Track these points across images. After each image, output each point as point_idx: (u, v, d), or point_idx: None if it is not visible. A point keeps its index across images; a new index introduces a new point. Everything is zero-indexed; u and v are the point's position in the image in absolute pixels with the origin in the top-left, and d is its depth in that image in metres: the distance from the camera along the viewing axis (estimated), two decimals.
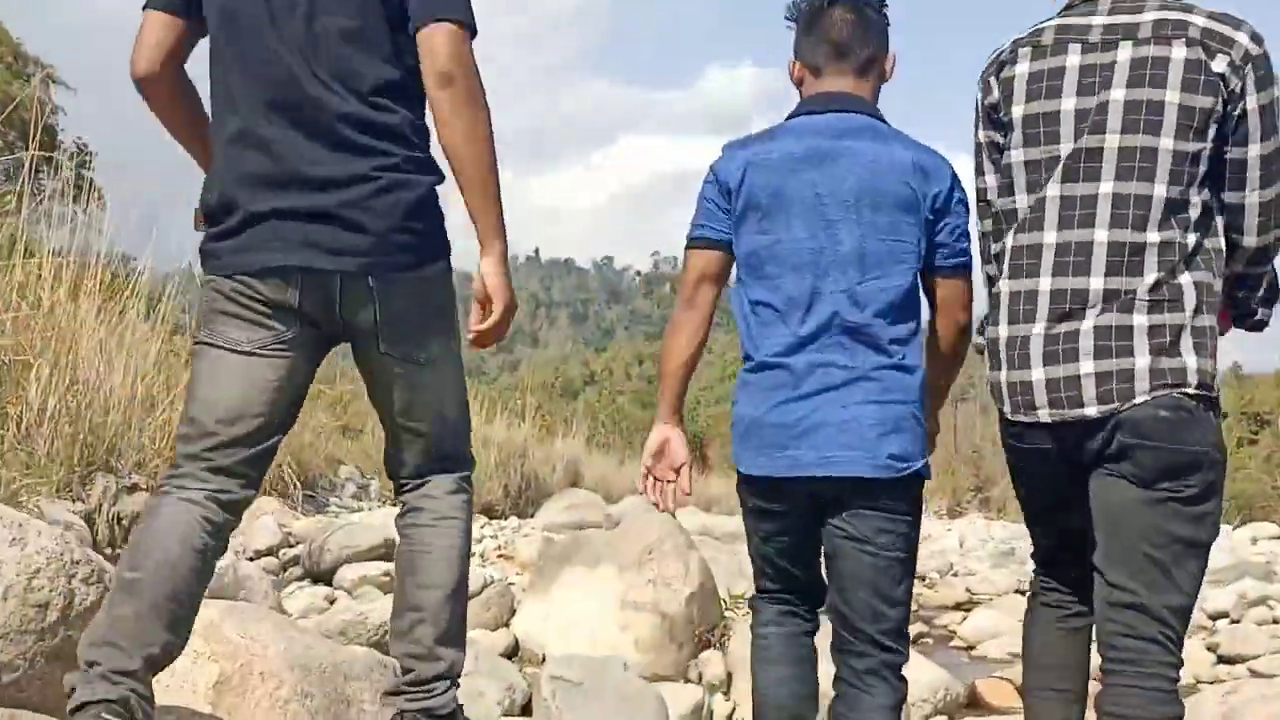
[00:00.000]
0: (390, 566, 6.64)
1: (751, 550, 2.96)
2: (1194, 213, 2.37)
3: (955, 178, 2.66)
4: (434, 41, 2.42)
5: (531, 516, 20.02)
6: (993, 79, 2.61)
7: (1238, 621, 9.50)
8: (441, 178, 2.60)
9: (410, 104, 2.54)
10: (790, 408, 2.63)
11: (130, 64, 2.59)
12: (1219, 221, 2.42)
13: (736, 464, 2.78)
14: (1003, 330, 2.55)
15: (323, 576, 6.82)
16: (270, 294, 2.48)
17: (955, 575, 13.48)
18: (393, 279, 2.52)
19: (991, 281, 2.68)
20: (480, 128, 2.49)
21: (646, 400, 77.54)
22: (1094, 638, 2.61)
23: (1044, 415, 2.46)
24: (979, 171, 2.72)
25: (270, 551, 7.23)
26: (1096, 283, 2.39)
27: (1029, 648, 2.87)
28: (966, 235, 2.69)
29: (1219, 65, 2.31)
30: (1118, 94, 2.36)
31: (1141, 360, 2.35)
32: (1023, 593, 12.22)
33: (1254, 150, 2.34)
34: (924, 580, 13.39)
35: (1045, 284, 2.44)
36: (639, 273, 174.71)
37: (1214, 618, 9.81)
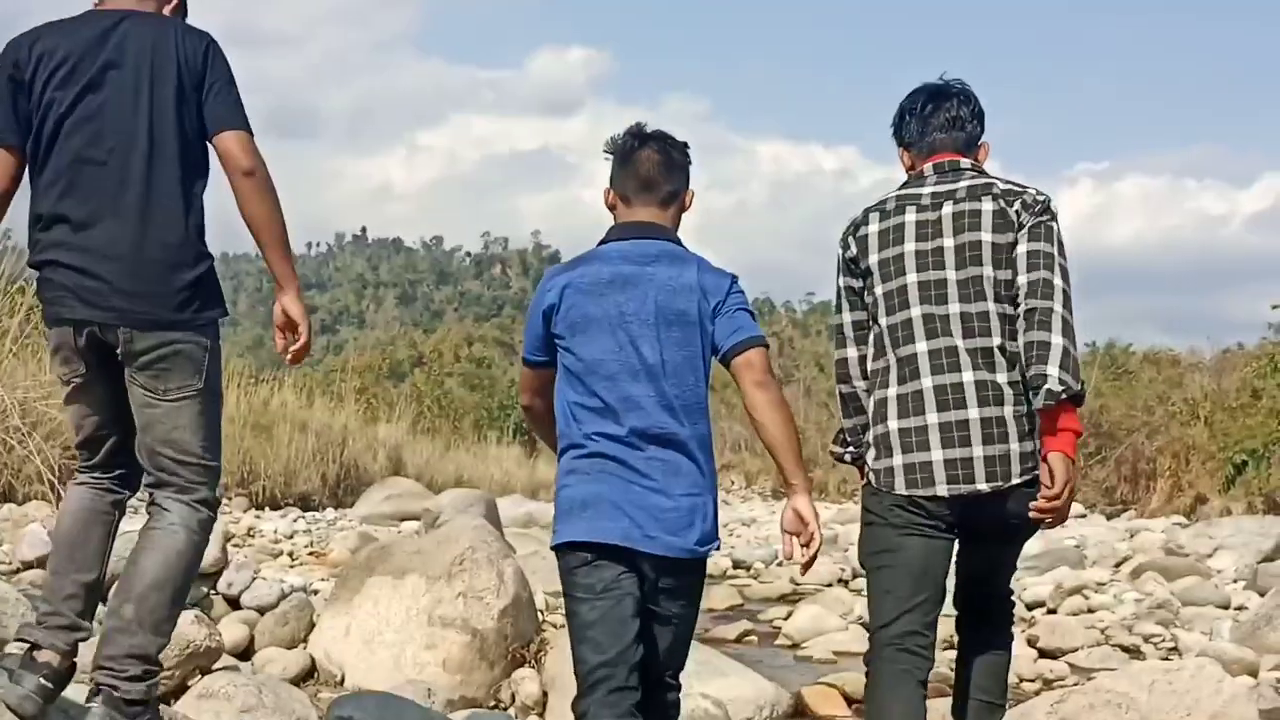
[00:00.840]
0: None
1: None
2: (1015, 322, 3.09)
3: (733, 286, 3.13)
4: (230, 146, 3.08)
5: (351, 507, 19.40)
6: (850, 238, 3.35)
7: (1054, 612, 9.57)
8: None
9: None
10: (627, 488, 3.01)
11: None
12: None
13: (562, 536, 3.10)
14: (893, 424, 3.18)
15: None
16: None
17: (780, 565, 13.35)
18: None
19: (867, 393, 3.35)
20: (274, 205, 3.13)
21: (475, 383, 76.72)
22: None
23: (941, 490, 3.10)
24: (838, 309, 3.42)
25: (41, 564, 6.53)
26: (968, 376, 3.10)
27: (888, 712, 3.19)
28: (747, 314, 3.12)
29: (1013, 207, 3.11)
30: (948, 241, 3.14)
31: (1014, 446, 3.08)
32: (845, 583, 12.23)
33: (1042, 270, 3.08)
34: (749, 570, 13.26)
35: (927, 383, 3.12)
36: (469, 254, 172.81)
37: (1031, 607, 9.86)
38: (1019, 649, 7.46)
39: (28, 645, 3.07)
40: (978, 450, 3.04)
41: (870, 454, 3.27)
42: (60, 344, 3.13)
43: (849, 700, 6.10)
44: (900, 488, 3.13)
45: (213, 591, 6.54)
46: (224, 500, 16.50)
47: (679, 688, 3.20)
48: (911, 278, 3.16)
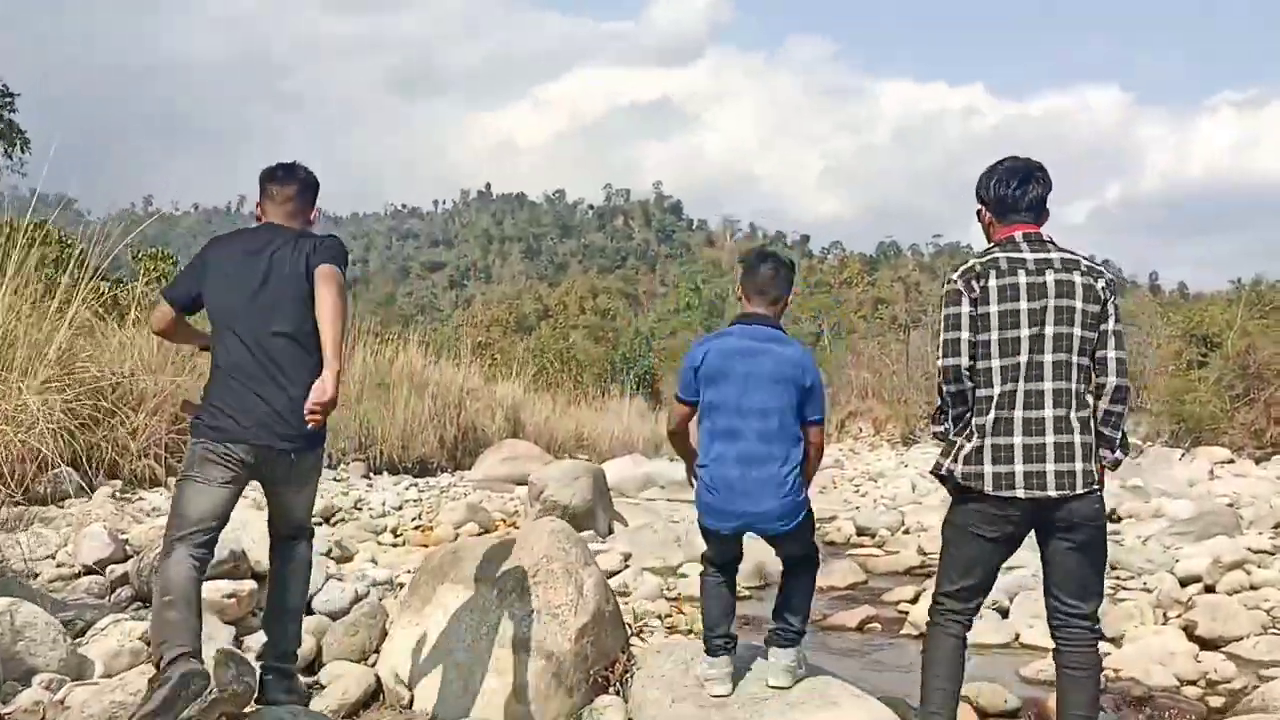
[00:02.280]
0: (238, 586, 5.65)
1: None
2: (1088, 372, 3.94)
3: (816, 369, 4.66)
4: (323, 271, 4.17)
5: (469, 469, 19.08)
6: (974, 283, 3.97)
7: (1212, 589, 8.69)
8: None
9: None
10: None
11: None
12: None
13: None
14: (988, 441, 3.95)
15: None
16: None
17: (907, 532, 12.58)
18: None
19: (974, 411, 4.02)
20: (341, 306, 4.12)
21: (599, 335, 76.75)
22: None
23: (1020, 493, 3.90)
24: (956, 327, 4.00)
25: (99, 568, 6.13)
26: (1048, 412, 3.91)
27: (935, 666, 4.17)
28: (821, 402, 4.62)
29: (1101, 284, 3.94)
30: (1051, 302, 3.88)
31: (1078, 465, 3.91)
32: None
33: (1113, 346, 3.95)
34: (874, 538, 12.52)
35: (1019, 414, 3.90)
36: (591, 206, 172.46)
37: (1185, 583, 8.98)
38: (1170, 640, 6.68)
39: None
40: (1050, 466, 3.87)
41: (962, 464, 4.00)
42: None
43: (983, 715, 5.41)
44: (988, 488, 3.93)
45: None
46: (341, 466, 16.36)
47: None
48: (1024, 331, 3.89)
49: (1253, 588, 8.64)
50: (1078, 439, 3.89)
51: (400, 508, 12.88)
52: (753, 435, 4.53)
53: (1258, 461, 21.53)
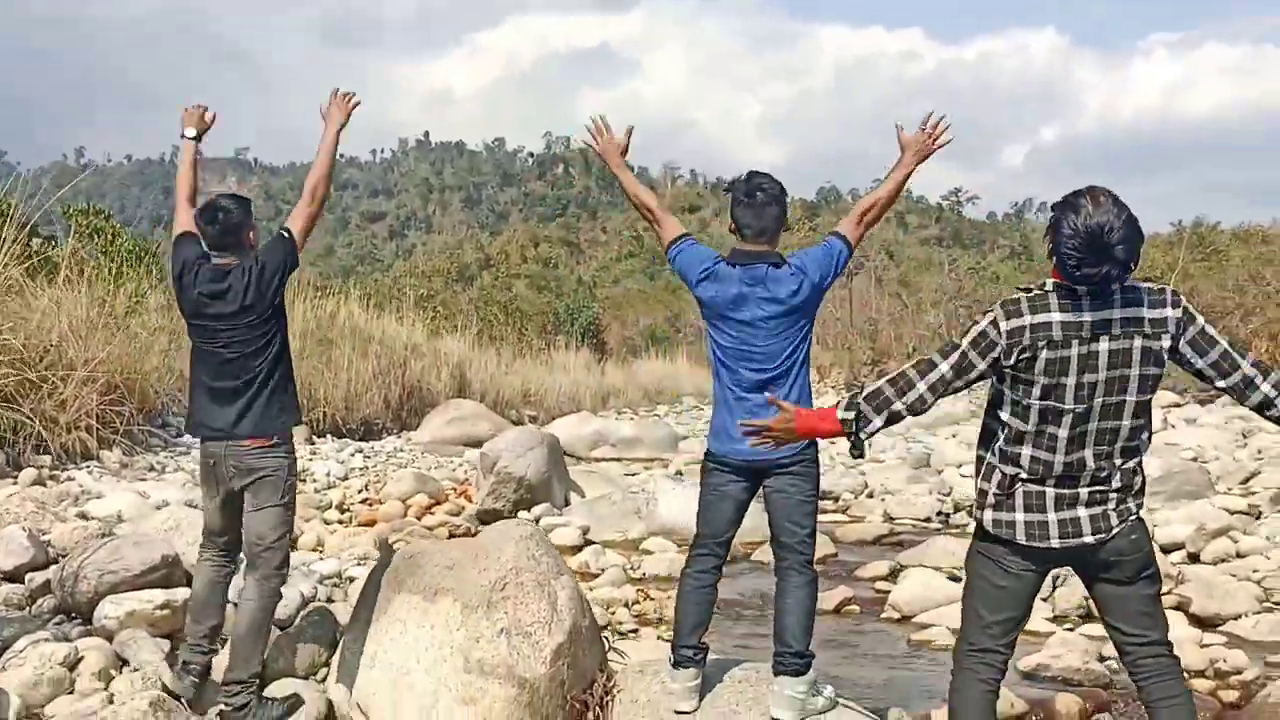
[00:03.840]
0: (170, 595, 5.12)
1: None
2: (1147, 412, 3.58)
3: (815, 260, 4.37)
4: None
5: (415, 429, 18.52)
6: (1017, 353, 3.48)
7: (1196, 558, 8.38)
8: None
9: None
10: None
11: None
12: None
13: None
14: (1020, 514, 3.62)
15: (83, 611, 5.14)
16: None
17: (870, 496, 12.21)
18: None
19: (1002, 457, 3.65)
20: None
21: (542, 284, 76.04)
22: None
23: (1055, 542, 3.59)
24: (966, 369, 3.57)
25: (17, 575, 5.52)
26: (1085, 474, 3.57)
27: (964, 714, 3.79)
28: (833, 258, 4.38)
29: (1164, 343, 3.46)
30: (1101, 376, 3.46)
31: (1111, 507, 3.59)
32: (946, 518, 11.12)
33: (1220, 346, 3.52)
34: (836, 501, 12.13)
35: (1056, 473, 3.57)
36: (531, 154, 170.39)
37: (1168, 550, 8.67)
38: (1178, 629, 6.30)
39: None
40: (1083, 512, 3.56)
41: (991, 511, 3.68)
42: None
43: None
44: (1020, 538, 3.61)
45: None
46: None
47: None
48: (1069, 405, 3.49)
49: (1239, 555, 8.36)
50: (1114, 488, 3.54)
51: (346, 478, 12.33)
52: (755, 379, 4.27)
53: (1202, 404, 21.56)
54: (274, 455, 4.47)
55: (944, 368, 3.55)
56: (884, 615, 7.24)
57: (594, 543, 9.65)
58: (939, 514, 11.07)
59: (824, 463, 15.31)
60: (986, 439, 3.67)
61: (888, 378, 3.65)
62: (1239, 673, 5.74)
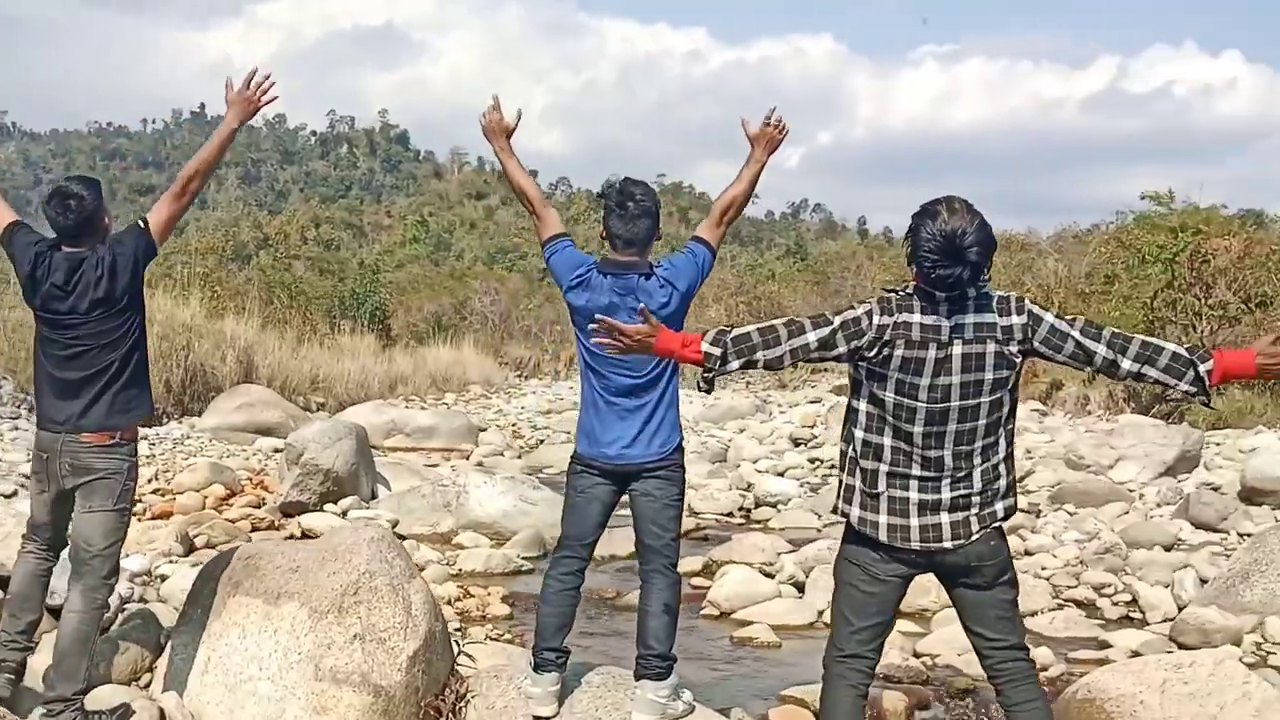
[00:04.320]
0: None
1: None
2: (1004, 412, 3.70)
3: (682, 268, 4.40)
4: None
5: (199, 415, 17.84)
6: (880, 348, 3.60)
7: None
8: None
9: None
10: None
11: None
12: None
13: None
14: (884, 517, 3.71)
15: None
16: None
17: None
18: None
19: (860, 454, 3.75)
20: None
21: (324, 266, 74.23)
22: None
23: (915, 545, 3.68)
24: (830, 345, 3.64)
25: None
26: (945, 476, 3.67)
27: (835, 718, 3.81)
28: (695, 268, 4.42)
29: (1012, 348, 3.60)
30: (955, 379, 3.58)
31: (973, 512, 3.70)
32: (747, 514, 11.33)
33: (1074, 338, 3.62)
34: None
35: (916, 470, 3.68)
36: (314, 133, 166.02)
37: None
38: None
39: None
40: (945, 518, 3.66)
41: (858, 509, 3.76)
42: None
43: None
44: (882, 538, 3.69)
45: None
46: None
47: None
48: (921, 404, 3.61)
49: (1027, 553, 8.79)
50: (976, 491, 3.66)
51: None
52: (625, 384, 4.31)
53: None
54: (113, 456, 4.25)
55: (810, 337, 3.62)
56: (704, 612, 7.34)
57: (404, 537, 9.50)
58: (740, 509, 11.30)
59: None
60: (848, 434, 3.76)
61: (757, 326, 3.70)
62: (1044, 669, 6.03)
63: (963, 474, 3.64)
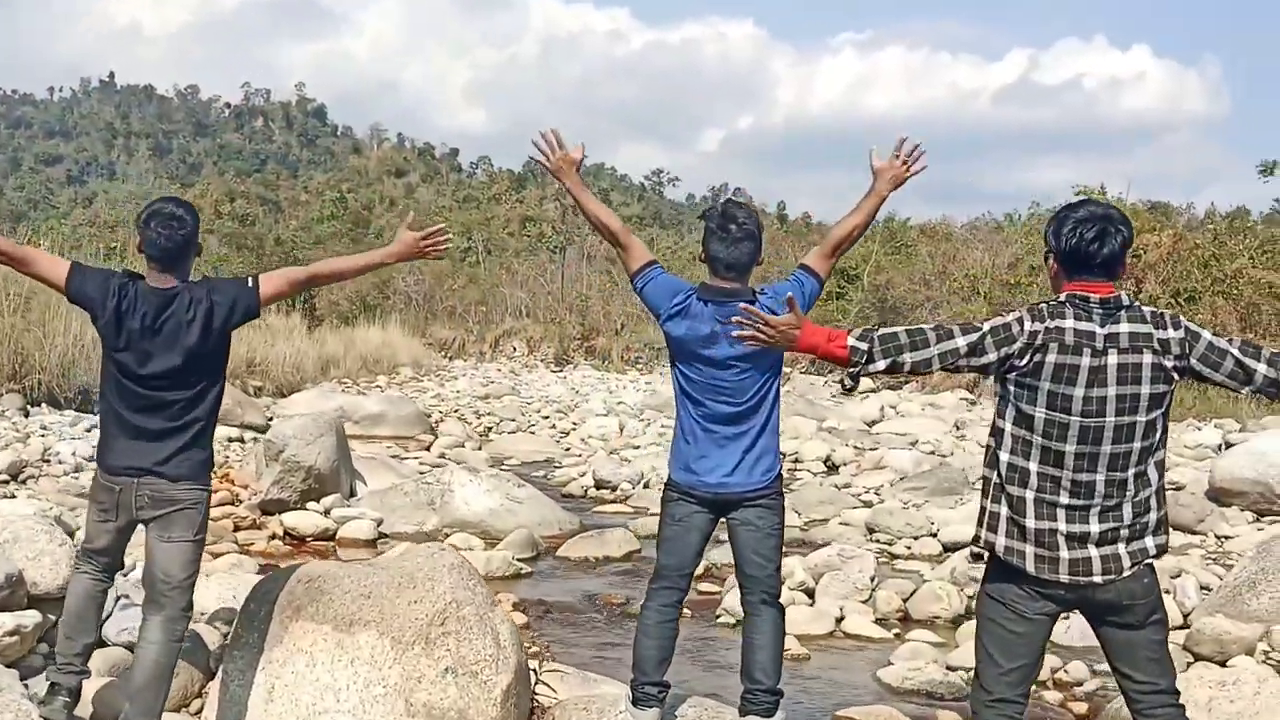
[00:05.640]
0: (20, 619, 4.61)
1: None
2: (1160, 435, 3.62)
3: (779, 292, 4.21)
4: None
5: None
6: (1030, 355, 3.53)
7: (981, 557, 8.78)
8: None
9: None
10: None
11: None
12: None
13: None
14: (1031, 547, 3.58)
15: None
16: None
17: (647, 486, 12.24)
18: None
19: (1006, 479, 3.62)
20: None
21: (241, 242, 72.92)
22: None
23: (1064, 578, 3.56)
24: (982, 349, 3.58)
25: None
26: (1095, 502, 3.57)
27: None
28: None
29: (1169, 362, 3.52)
30: (1111, 391, 3.50)
31: (1122, 548, 3.60)
32: None
33: (1233, 355, 3.55)
34: (614, 491, 12.11)
35: (1064, 499, 3.56)
36: (228, 105, 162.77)
37: (950, 549, 9.09)
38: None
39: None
40: (1094, 551, 3.55)
41: (1003, 537, 3.64)
42: None
43: None
44: (1029, 568, 3.57)
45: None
46: None
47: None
48: (1075, 419, 3.51)
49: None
50: (1125, 524, 3.57)
51: (92, 458, 11.43)
52: (725, 411, 4.21)
53: (894, 389, 22.94)
54: (195, 487, 4.07)
55: (960, 342, 3.56)
56: (720, 621, 7.28)
57: (387, 536, 9.33)
58: None
59: (585, 449, 15.37)
60: (992, 460, 3.66)
61: (905, 328, 3.64)
62: (1080, 684, 6.06)
63: (1113, 503, 3.54)
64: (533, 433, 17.75)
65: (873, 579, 7.72)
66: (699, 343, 4.15)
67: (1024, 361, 3.52)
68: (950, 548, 9.14)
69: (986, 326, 3.59)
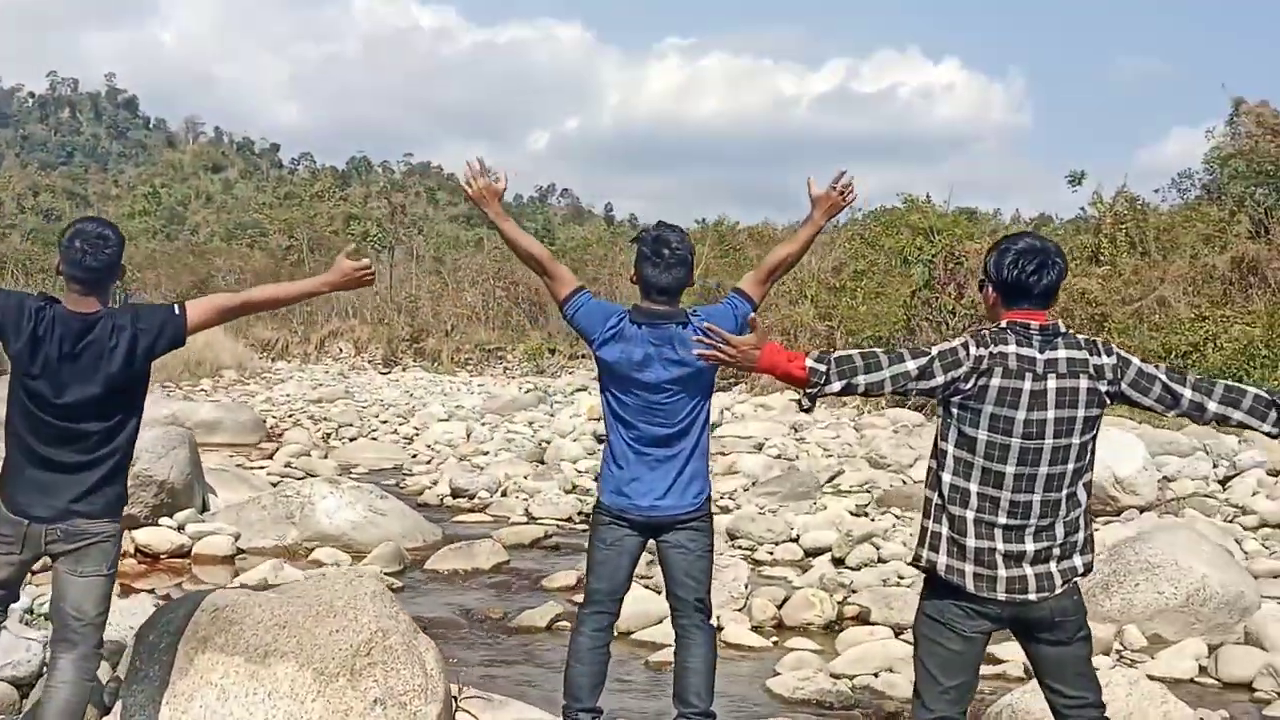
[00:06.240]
0: None
1: None
2: (1090, 457, 3.78)
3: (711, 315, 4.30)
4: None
5: None
6: (974, 379, 3.65)
7: (841, 562, 8.97)
8: None
9: None
10: None
11: None
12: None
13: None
14: (970, 566, 3.70)
15: None
16: None
17: (505, 495, 12.17)
18: None
19: (947, 499, 3.74)
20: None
21: (47, 239, 69.93)
22: None
23: (1001, 595, 3.68)
24: (930, 372, 3.67)
25: None
26: (1031, 522, 3.69)
27: None
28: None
29: (1103, 387, 3.69)
30: (1050, 414, 3.64)
31: (1054, 566, 3.72)
32: (586, 516, 11.24)
33: (1160, 380, 3.72)
34: (472, 499, 12.01)
35: (1002, 519, 3.68)
36: (33, 94, 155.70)
37: (813, 554, 9.29)
38: (893, 644, 6.73)
39: None
40: (1029, 570, 3.68)
41: (945, 557, 3.75)
42: None
43: None
44: (969, 587, 3.69)
45: None
46: None
47: None
48: (1016, 440, 3.64)
49: (882, 560, 9.05)
50: (1058, 543, 3.71)
51: None
52: (657, 434, 4.26)
53: (723, 390, 23.37)
54: (113, 521, 3.90)
55: (910, 365, 3.67)
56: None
57: (244, 551, 9.09)
58: (580, 514, 11.23)
59: (434, 455, 15.19)
60: (934, 480, 3.77)
61: (859, 351, 3.76)
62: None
63: (1046, 523, 3.67)
64: (374, 439, 17.48)
65: (746, 586, 7.84)
66: (632, 366, 4.18)
67: (969, 385, 3.65)
68: (811, 553, 9.33)
69: (935, 351, 3.71)
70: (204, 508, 9.92)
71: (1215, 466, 12.93)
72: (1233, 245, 25.80)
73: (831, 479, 12.78)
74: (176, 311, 4.02)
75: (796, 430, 17.80)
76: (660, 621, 7.23)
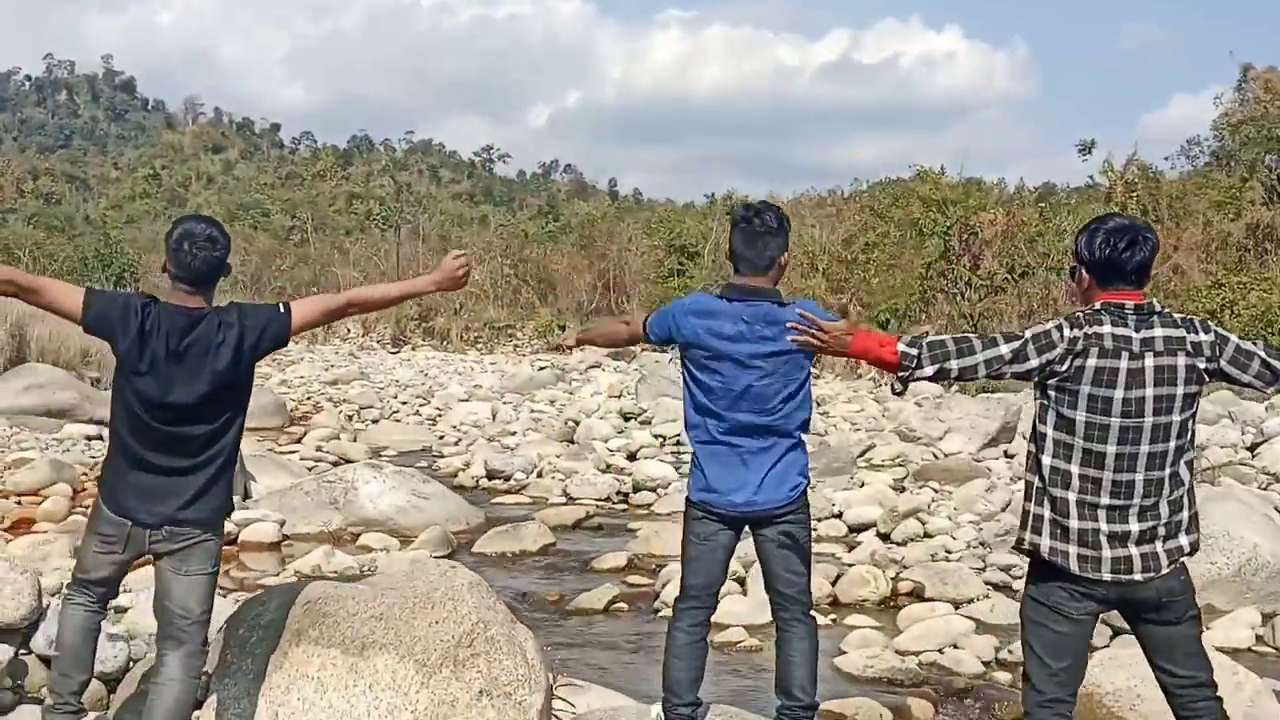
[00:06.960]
0: None
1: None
2: (1190, 435, 3.75)
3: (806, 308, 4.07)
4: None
5: None
6: (1070, 360, 3.64)
7: (887, 537, 8.99)
8: None
9: None
10: None
11: None
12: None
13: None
14: (1075, 548, 3.69)
15: None
16: None
17: (540, 476, 12.17)
18: None
19: (1049, 481, 3.72)
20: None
21: (48, 222, 69.80)
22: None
23: (1106, 576, 3.66)
24: (1023, 356, 3.69)
25: None
26: (1135, 502, 3.66)
27: None
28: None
29: (1201, 364, 3.66)
30: (1149, 391, 3.62)
31: (1160, 546, 3.69)
32: (626, 497, 11.26)
33: (1260, 356, 3.72)
34: (508, 480, 12.01)
35: (1105, 500, 3.66)
36: (29, 77, 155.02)
37: (856, 530, 9.30)
38: (956, 621, 6.74)
39: None
40: (1134, 550, 3.66)
41: (1048, 539, 3.74)
42: None
43: None
44: (1073, 568, 3.68)
45: (22, 652, 4.78)
46: None
47: None
48: (1115, 420, 3.62)
49: (927, 535, 9.06)
50: (1162, 522, 3.69)
51: None
52: (747, 422, 4.11)
53: None
54: (218, 519, 3.91)
55: (1004, 349, 3.68)
56: (660, 614, 7.29)
57: (290, 538, 9.11)
58: (619, 494, 11.25)
59: (462, 436, 15.20)
60: (1034, 464, 3.75)
61: (953, 336, 3.76)
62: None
63: (1150, 503, 3.65)
64: (398, 420, 17.50)
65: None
66: (723, 339, 4.06)
67: (1065, 366, 3.63)
68: (856, 529, 9.34)
69: (1028, 334, 3.70)
70: (246, 494, 9.94)
71: (1243, 434, 12.96)
72: (1247, 212, 25.80)
73: (863, 453, 12.80)
74: (281, 310, 3.99)
75: (820, 405, 17.83)
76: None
